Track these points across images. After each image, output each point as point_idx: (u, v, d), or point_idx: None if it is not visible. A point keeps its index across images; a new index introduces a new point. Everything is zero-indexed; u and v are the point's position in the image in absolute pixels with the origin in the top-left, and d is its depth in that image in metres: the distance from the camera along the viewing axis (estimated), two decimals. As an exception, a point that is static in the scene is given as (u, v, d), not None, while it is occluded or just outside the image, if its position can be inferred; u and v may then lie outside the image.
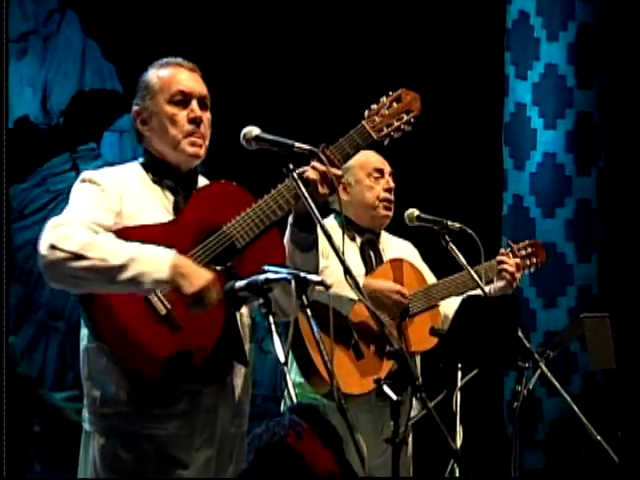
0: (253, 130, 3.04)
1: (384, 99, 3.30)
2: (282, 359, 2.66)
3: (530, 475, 6.72)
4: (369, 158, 4.24)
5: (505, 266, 4.21)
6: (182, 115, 3.14)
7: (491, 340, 3.45)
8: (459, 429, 3.67)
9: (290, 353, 3.84)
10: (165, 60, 3.24)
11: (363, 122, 3.24)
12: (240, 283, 2.80)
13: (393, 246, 4.30)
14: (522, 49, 7.06)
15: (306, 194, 2.96)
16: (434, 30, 6.65)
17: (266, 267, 2.81)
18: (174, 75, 3.18)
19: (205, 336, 2.96)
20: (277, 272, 2.78)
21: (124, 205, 3.03)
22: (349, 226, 4.10)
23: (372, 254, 4.20)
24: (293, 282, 2.73)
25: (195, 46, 6.08)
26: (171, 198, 3.13)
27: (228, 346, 3.05)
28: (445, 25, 6.69)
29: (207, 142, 3.20)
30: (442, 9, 6.70)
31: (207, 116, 3.20)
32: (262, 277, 2.75)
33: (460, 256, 4.11)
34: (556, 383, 3.62)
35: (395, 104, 3.30)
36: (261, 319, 2.80)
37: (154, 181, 3.15)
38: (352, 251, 4.11)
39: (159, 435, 2.95)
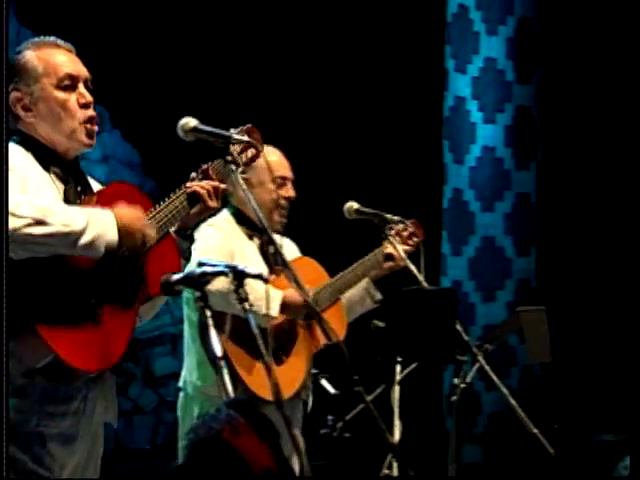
0: (190, 121, 3.00)
1: (235, 130, 3.34)
2: (219, 353, 2.64)
3: (468, 468, 6.76)
4: (277, 164, 4.18)
5: (390, 251, 4.25)
6: (72, 100, 3.03)
7: (429, 334, 3.46)
8: (397, 423, 3.67)
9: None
10: (39, 40, 3.09)
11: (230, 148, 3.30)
12: (177, 276, 2.77)
13: (283, 244, 4.28)
14: (462, 43, 7.09)
15: (244, 185, 2.98)
16: (374, 23, 6.65)
17: (203, 261, 2.79)
18: (56, 57, 3.05)
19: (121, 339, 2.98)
20: (214, 265, 2.75)
21: (29, 188, 2.92)
22: (245, 225, 4.08)
23: (269, 253, 4.16)
24: (231, 275, 2.71)
25: (142, 39, 6.04)
26: (60, 186, 3.03)
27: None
28: (385, 18, 6.69)
29: None
30: (382, 2, 6.70)
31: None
32: (199, 270, 2.72)
33: (400, 249, 4.14)
34: (494, 377, 3.63)
35: (246, 137, 3.35)
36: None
37: (42, 167, 3.02)
38: (252, 250, 4.08)
39: (50, 434, 2.87)
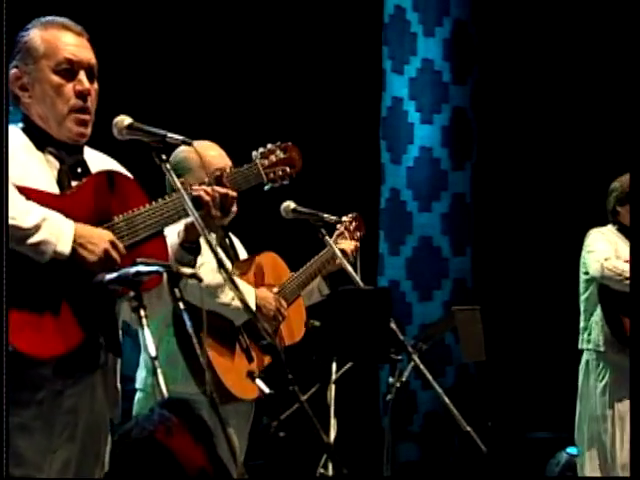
0: (125, 119, 2.95)
1: (271, 145, 3.35)
2: (153, 353, 2.62)
3: (404, 467, 6.80)
4: (212, 159, 4.09)
5: (343, 247, 4.30)
6: (68, 87, 2.91)
7: (364, 333, 3.47)
8: (333, 422, 3.68)
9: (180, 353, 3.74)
10: (49, 19, 2.98)
11: (257, 161, 3.30)
12: (110, 275, 2.74)
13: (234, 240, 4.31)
14: (399, 44, 7.14)
15: (180, 187, 2.89)
16: (311, 24, 6.65)
17: (138, 260, 2.76)
18: (60, 39, 2.93)
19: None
20: (149, 264, 2.73)
21: (10, 169, 2.75)
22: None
23: (229, 248, 4.17)
24: (165, 275, 2.69)
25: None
26: (56, 165, 2.92)
27: (100, 340, 2.88)
28: (323, 18, 6.70)
29: (93, 117, 2.99)
30: (319, 2, 6.70)
31: (94, 88, 2.98)
32: (133, 269, 2.70)
33: (336, 249, 4.14)
34: (428, 375, 3.64)
35: (282, 154, 3.36)
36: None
37: (37, 147, 2.92)
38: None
39: (11, 425, 2.68)
